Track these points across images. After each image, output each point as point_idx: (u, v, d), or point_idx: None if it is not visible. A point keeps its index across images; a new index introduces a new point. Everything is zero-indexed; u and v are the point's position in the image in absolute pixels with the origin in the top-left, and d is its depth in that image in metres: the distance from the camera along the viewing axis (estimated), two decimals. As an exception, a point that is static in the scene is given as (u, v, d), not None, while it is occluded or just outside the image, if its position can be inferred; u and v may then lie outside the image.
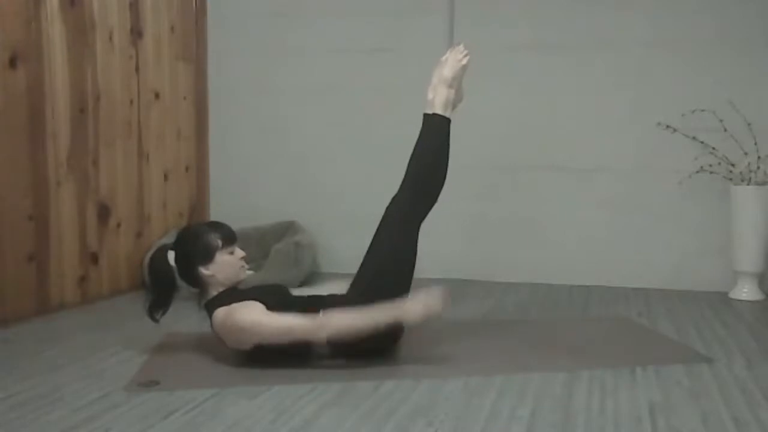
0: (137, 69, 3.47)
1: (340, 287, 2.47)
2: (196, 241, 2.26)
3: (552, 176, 3.67)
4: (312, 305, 2.19)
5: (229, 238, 2.28)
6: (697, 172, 3.47)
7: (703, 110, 3.44)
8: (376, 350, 2.26)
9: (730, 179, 3.40)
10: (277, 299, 2.21)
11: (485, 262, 3.76)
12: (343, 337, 2.10)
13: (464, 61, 2.44)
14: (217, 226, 2.31)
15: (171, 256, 2.27)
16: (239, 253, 2.30)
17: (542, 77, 3.65)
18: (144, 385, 2.02)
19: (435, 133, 2.40)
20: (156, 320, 2.29)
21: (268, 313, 2.12)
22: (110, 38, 3.28)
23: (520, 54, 3.66)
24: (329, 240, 3.89)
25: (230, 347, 2.21)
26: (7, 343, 2.50)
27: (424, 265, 2.43)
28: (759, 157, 3.36)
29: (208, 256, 2.24)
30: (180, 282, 2.29)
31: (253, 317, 2.11)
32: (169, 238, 2.43)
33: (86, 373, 2.14)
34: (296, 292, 2.44)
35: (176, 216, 3.83)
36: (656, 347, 2.49)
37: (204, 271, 2.24)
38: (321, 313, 2.14)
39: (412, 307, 2.13)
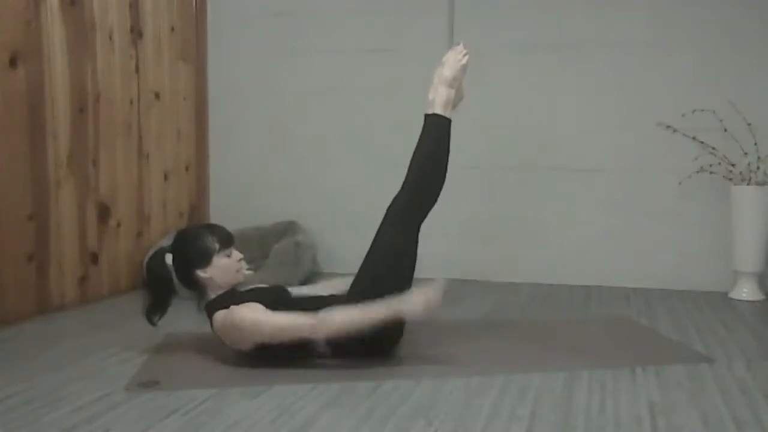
0: (137, 69, 3.47)
1: (338, 286, 2.47)
2: (193, 244, 2.25)
3: (552, 176, 3.67)
4: (312, 306, 2.19)
5: (226, 240, 2.28)
6: (697, 172, 3.47)
7: (703, 110, 3.44)
8: (376, 351, 2.26)
9: (730, 179, 3.40)
10: (276, 300, 2.21)
11: (485, 262, 3.76)
12: (343, 334, 2.10)
13: (464, 61, 2.44)
14: (214, 229, 2.30)
15: (169, 258, 2.27)
16: (236, 255, 2.29)
17: (542, 77, 3.65)
18: (144, 385, 2.02)
19: (435, 134, 2.39)
20: (154, 324, 2.29)
21: (268, 312, 2.12)
22: (110, 38, 3.28)
23: (520, 54, 3.65)
24: (329, 240, 3.89)
25: (231, 348, 2.21)
26: (7, 343, 2.50)
27: (424, 265, 2.43)
28: (759, 157, 3.36)
29: (205, 259, 2.24)
30: (178, 285, 2.29)
31: (253, 316, 2.11)
32: (168, 240, 2.43)
33: (86, 373, 2.14)
34: (294, 290, 2.44)
35: (176, 216, 3.83)
36: (656, 347, 2.49)
37: (202, 274, 2.24)
38: (321, 312, 2.13)
39: (411, 300, 2.12)
